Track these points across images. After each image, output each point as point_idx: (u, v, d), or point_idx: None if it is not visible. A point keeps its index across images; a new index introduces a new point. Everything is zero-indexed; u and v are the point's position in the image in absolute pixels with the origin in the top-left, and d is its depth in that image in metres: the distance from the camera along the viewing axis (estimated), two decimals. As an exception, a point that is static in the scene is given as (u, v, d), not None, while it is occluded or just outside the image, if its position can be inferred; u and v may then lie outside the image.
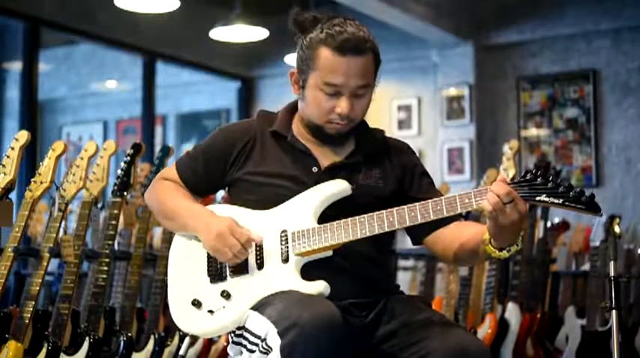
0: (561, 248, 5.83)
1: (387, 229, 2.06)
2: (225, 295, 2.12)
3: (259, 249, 2.14)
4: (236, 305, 2.11)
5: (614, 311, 2.33)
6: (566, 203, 1.93)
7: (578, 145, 7.35)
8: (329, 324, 1.91)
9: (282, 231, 2.13)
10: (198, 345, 3.87)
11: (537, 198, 1.95)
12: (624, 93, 7.21)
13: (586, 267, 5.50)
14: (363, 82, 2.15)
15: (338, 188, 2.15)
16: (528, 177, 1.97)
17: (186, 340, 3.41)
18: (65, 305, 3.07)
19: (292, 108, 2.30)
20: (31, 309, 2.85)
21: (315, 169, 2.20)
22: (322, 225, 2.10)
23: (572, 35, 7.37)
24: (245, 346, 2.08)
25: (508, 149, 4.38)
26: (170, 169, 2.35)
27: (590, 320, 4.61)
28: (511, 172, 4.35)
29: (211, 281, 2.16)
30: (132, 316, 3.59)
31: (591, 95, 7.29)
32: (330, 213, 2.13)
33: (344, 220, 2.09)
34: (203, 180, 2.29)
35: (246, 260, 2.14)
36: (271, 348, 1.94)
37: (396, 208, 2.05)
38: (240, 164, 2.23)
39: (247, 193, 2.22)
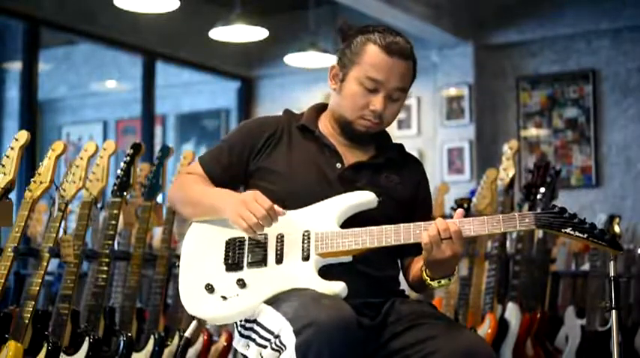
0: (561, 248, 5.83)
1: (412, 241, 2.10)
2: (241, 283, 2.11)
3: (280, 244, 2.15)
4: (251, 294, 2.11)
5: (613, 311, 2.33)
6: (590, 238, 2.05)
7: (578, 145, 7.35)
8: (345, 325, 1.93)
9: (305, 231, 2.15)
10: (199, 345, 3.87)
11: (564, 230, 2.06)
12: (624, 94, 7.21)
13: (586, 267, 5.50)
14: (402, 85, 2.24)
15: (365, 199, 2.19)
16: (556, 210, 2.08)
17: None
18: (65, 305, 3.07)
19: (319, 108, 2.37)
20: (31, 309, 2.85)
21: (339, 165, 2.26)
22: (346, 230, 2.13)
23: (572, 35, 7.37)
24: (254, 340, 2.08)
25: (508, 149, 4.38)
26: (193, 165, 2.38)
27: (590, 320, 4.61)
28: (511, 172, 4.35)
29: (227, 270, 2.16)
30: (132, 316, 3.59)
31: (591, 95, 7.29)
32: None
33: (369, 228, 2.12)
34: (227, 170, 2.30)
35: (265, 253, 2.14)
36: (285, 346, 1.95)
37: (424, 223, 2.10)
38: (267, 153, 2.27)
39: (269, 183, 2.23)
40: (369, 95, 2.22)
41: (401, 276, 2.35)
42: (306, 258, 2.12)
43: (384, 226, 2.11)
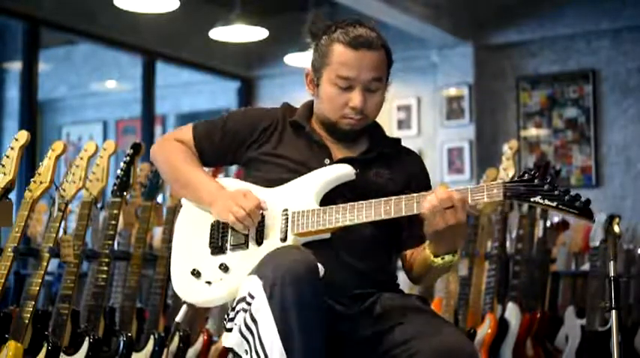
0: (561, 248, 5.83)
1: (383, 216, 2.09)
2: (224, 268, 2.16)
3: (260, 225, 2.17)
4: (233, 278, 2.15)
5: (613, 311, 2.34)
6: (560, 206, 1.95)
7: (578, 145, 7.35)
8: (305, 260, 1.96)
9: (284, 210, 2.17)
10: (199, 345, 3.87)
11: (532, 199, 1.97)
12: (624, 94, 7.21)
13: (586, 267, 5.50)
14: (375, 75, 2.22)
15: (342, 172, 2.20)
16: (526, 177, 1.99)
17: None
18: (65, 305, 3.07)
19: (311, 105, 2.37)
20: (31, 309, 2.85)
21: (327, 161, 2.26)
22: (323, 208, 2.14)
23: (572, 35, 7.36)
24: (235, 322, 2.05)
25: (508, 149, 4.37)
26: (185, 131, 2.38)
27: (590, 320, 4.60)
28: (510, 172, 4.35)
29: (212, 253, 2.22)
30: (132, 316, 3.59)
31: (591, 95, 7.28)
32: (334, 204, 2.17)
33: (344, 204, 2.12)
34: (216, 150, 2.34)
35: (247, 235, 2.18)
36: (254, 296, 1.95)
37: (395, 197, 2.08)
38: (259, 146, 2.29)
39: (257, 171, 2.28)
40: (345, 93, 2.22)
41: (404, 275, 2.34)
42: (283, 239, 2.14)
43: (357, 202, 2.11)
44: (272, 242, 2.15)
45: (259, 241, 2.17)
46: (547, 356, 4.54)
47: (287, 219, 2.16)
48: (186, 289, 2.23)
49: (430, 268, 2.16)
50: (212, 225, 2.24)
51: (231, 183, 2.29)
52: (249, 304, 1.98)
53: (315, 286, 1.95)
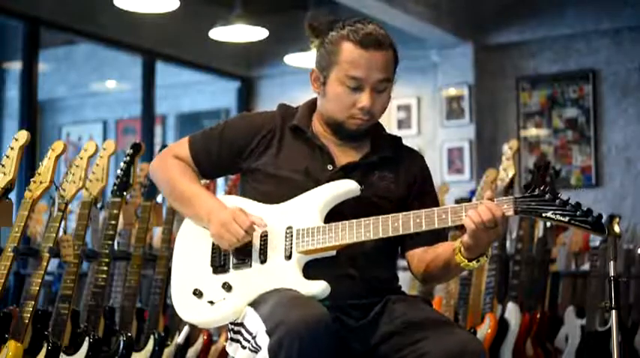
0: (561, 248, 5.83)
1: (390, 234, 2.06)
2: (227, 287, 2.13)
3: (263, 243, 2.14)
4: (236, 297, 2.11)
5: (613, 311, 2.33)
6: (572, 221, 1.95)
7: (578, 145, 7.34)
8: (315, 325, 1.91)
9: (288, 228, 2.14)
10: (198, 345, 3.87)
11: (544, 215, 1.97)
12: (624, 94, 7.20)
13: (586, 267, 5.50)
14: (385, 76, 2.19)
15: (347, 188, 2.16)
16: (537, 192, 1.98)
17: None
18: (65, 305, 3.07)
19: (312, 105, 2.32)
20: (31, 309, 2.85)
21: (330, 167, 2.22)
22: (327, 225, 2.10)
23: (572, 35, 7.36)
24: (241, 343, 2.09)
25: (508, 149, 4.37)
26: (182, 145, 2.33)
27: (590, 320, 4.61)
28: (510, 172, 4.35)
29: (214, 272, 2.17)
30: (132, 316, 3.59)
31: (591, 95, 7.28)
32: (338, 210, 2.14)
33: (349, 221, 2.09)
34: (214, 163, 2.30)
35: (250, 253, 2.14)
36: (260, 347, 1.95)
37: (402, 213, 2.06)
38: (258, 154, 2.24)
39: (258, 183, 2.23)
40: (354, 93, 2.18)
41: (402, 274, 2.33)
42: (288, 257, 2.11)
43: (363, 219, 2.08)
44: (276, 260, 2.12)
45: (263, 259, 2.13)
46: (547, 356, 4.54)
47: (291, 236, 2.12)
48: (188, 309, 2.18)
49: (453, 269, 2.14)
50: (213, 243, 2.20)
51: (233, 202, 2.23)
52: (255, 349, 1.98)
53: (323, 344, 1.91)
